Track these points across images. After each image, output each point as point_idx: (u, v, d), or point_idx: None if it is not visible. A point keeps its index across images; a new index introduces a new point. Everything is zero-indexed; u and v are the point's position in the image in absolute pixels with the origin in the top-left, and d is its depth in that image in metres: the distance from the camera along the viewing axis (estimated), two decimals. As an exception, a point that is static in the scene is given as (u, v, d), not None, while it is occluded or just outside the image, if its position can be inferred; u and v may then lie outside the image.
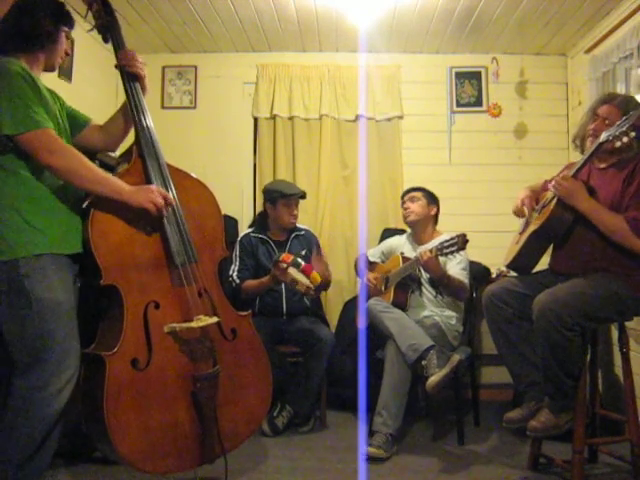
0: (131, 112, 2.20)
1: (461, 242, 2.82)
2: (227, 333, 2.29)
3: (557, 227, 2.40)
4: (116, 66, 2.25)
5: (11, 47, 1.97)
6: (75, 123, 2.20)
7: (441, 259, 3.04)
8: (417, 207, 3.35)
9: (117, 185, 2.00)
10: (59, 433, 1.95)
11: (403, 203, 3.43)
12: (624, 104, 2.34)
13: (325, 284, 3.41)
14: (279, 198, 3.39)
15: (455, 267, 3.20)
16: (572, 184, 2.34)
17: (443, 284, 3.16)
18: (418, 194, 3.39)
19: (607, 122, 2.35)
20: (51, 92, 2.08)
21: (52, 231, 1.93)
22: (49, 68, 2.09)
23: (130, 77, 2.23)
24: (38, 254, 1.88)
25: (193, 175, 2.34)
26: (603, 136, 2.20)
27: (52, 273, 1.90)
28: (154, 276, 2.12)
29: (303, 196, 3.48)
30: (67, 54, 2.13)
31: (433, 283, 3.24)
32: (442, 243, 2.90)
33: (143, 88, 2.26)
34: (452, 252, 2.87)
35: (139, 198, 2.02)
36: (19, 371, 1.88)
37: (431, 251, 2.96)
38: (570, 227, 2.39)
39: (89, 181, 1.94)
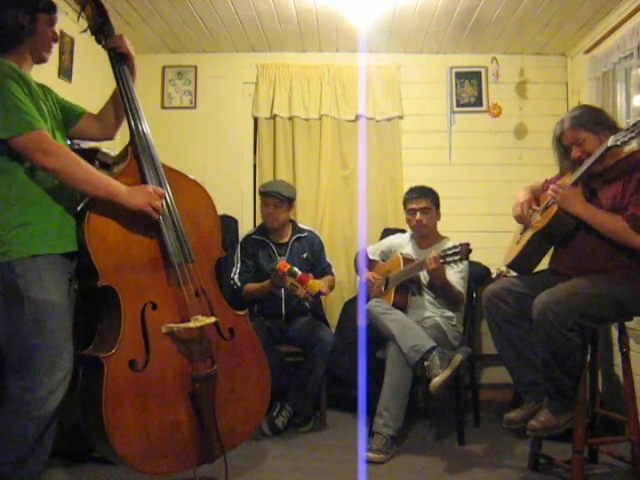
0: (123, 104, 2.18)
1: (464, 252, 2.78)
2: (225, 333, 2.29)
3: (560, 229, 2.40)
4: (103, 46, 2.22)
5: None
6: (71, 115, 2.18)
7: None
8: (428, 219, 3.28)
9: (113, 187, 1.98)
10: (54, 434, 1.94)
11: (412, 211, 3.30)
12: (577, 121, 2.38)
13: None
14: (260, 195, 3.46)
15: (454, 275, 3.17)
16: (567, 191, 2.35)
17: (443, 291, 3.15)
18: (429, 204, 3.28)
19: (581, 145, 2.37)
20: (43, 87, 2.06)
21: (47, 231, 1.92)
22: (38, 60, 2.04)
23: (119, 58, 2.21)
24: (33, 255, 1.87)
25: (189, 176, 2.34)
26: (611, 140, 2.19)
27: (46, 274, 1.89)
28: (151, 277, 2.12)
29: (281, 197, 3.35)
30: (55, 40, 2.05)
31: (432, 287, 3.23)
32: (445, 251, 2.86)
33: (132, 70, 2.24)
34: (455, 261, 2.84)
35: (136, 201, 2.01)
36: (11, 372, 1.86)
37: (436, 259, 2.93)
38: (573, 229, 2.39)
39: (84, 182, 1.93)
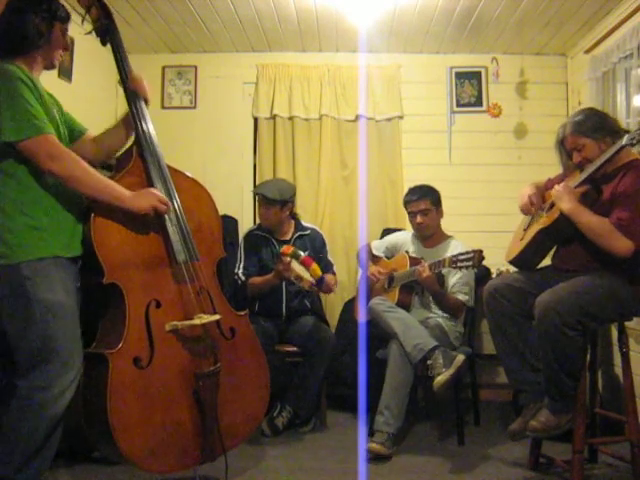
0: (134, 120, 2.21)
1: (477, 260, 2.71)
2: (226, 332, 2.30)
3: (567, 226, 2.39)
4: (119, 82, 2.27)
5: (7, 51, 1.95)
6: (71, 131, 2.19)
7: (446, 269, 2.99)
8: (430, 220, 3.25)
9: (118, 192, 2.01)
10: (60, 434, 1.94)
11: (412, 214, 3.28)
12: (579, 127, 2.39)
13: (330, 287, 3.38)
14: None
15: (457, 281, 3.16)
16: (562, 188, 2.38)
17: (436, 300, 3.14)
18: (428, 205, 3.24)
19: (581, 151, 2.39)
20: (50, 96, 2.08)
21: (54, 235, 1.94)
22: (48, 66, 2.08)
23: (136, 98, 2.24)
24: (40, 257, 1.88)
25: (189, 175, 2.36)
26: (626, 139, 2.20)
27: (53, 275, 1.90)
28: (155, 274, 2.14)
29: (267, 200, 3.34)
30: (66, 49, 2.10)
31: None
32: (457, 256, 2.82)
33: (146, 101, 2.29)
34: (466, 267, 2.79)
35: (140, 204, 2.05)
36: (22, 372, 1.88)
37: (430, 268, 2.95)
38: (577, 228, 2.38)
39: (91, 188, 1.96)
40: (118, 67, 2.26)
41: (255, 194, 3.44)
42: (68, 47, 2.12)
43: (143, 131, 2.20)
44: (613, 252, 2.25)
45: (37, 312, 1.86)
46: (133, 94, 2.24)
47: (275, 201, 3.34)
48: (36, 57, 2.00)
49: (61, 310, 1.90)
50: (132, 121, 2.22)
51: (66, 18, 2.06)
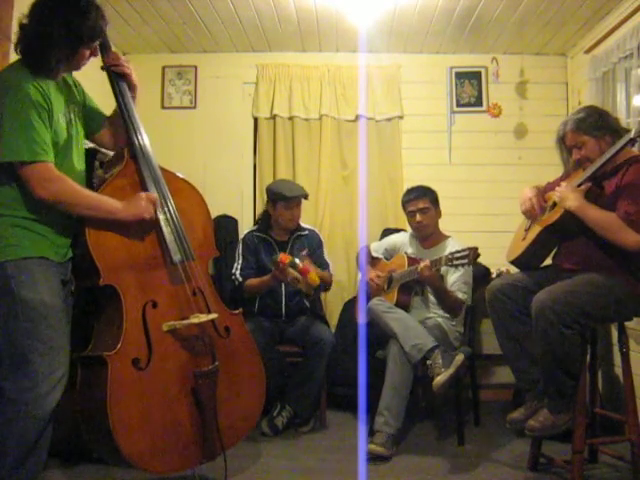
0: (120, 113, 2.22)
1: (472, 257, 2.73)
2: (221, 330, 2.31)
3: (570, 223, 2.39)
4: (102, 67, 2.27)
5: (29, 65, 1.94)
6: (94, 121, 2.23)
7: (444, 267, 3.00)
8: (429, 219, 3.26)
9: (110, 206, 2.04)
10: (50, 434, 1.94)
11: (411, 213, 3.29)
12: (580, 124, 2.39)
13: (325, 285, 3.40)
14: (279, 200, 3.38)
15: (457, 280, 3.16)
16: (565, 188, 2.37)
17: (438, 297, 3.15)
18: (427, 204, 3.25)
19: (581, 148, 2.39)
20: (73, 86, 2.14)
21: (42, 235, 1.95)
22: (70, 73, 2.13)
23: (117, 77, 2.25)
24: (25, 257, 1.89)
25: (180, 175, 2.37)
26: (634, 132, 2.20)
27: (39, 275, 1.91)
28: (151, 275, 2.14)
29: (305, 197, 3.45)
30: (94, 55, 2.09)
31: None
32: (453, 254, 2.82)
33: (131, 85, 2.27)
34: (462, 265, 2.80)
35: (135, 212, 2.07)
36: (8, 373, 1.87)
37: (432, 265, 2.95)
38: (582, 225, 2.38)
39: (82, 208, 1.99)
40: (103, 58, 2.26)
41: (295, 197, 3.36)
42: (96, 54, 2.11)
43: (134, 130, 2.20)
44: (623, 246, 2.24)
45: (21, 311, 1.86)
46: (114, 76, 2.24)
47: (306, 197, 3.44)
48: (58, 70, 2.00)
49: (45, 309, 1.90)
50: (117, 108, 2.23)
51: (93, 41, 2.02)
